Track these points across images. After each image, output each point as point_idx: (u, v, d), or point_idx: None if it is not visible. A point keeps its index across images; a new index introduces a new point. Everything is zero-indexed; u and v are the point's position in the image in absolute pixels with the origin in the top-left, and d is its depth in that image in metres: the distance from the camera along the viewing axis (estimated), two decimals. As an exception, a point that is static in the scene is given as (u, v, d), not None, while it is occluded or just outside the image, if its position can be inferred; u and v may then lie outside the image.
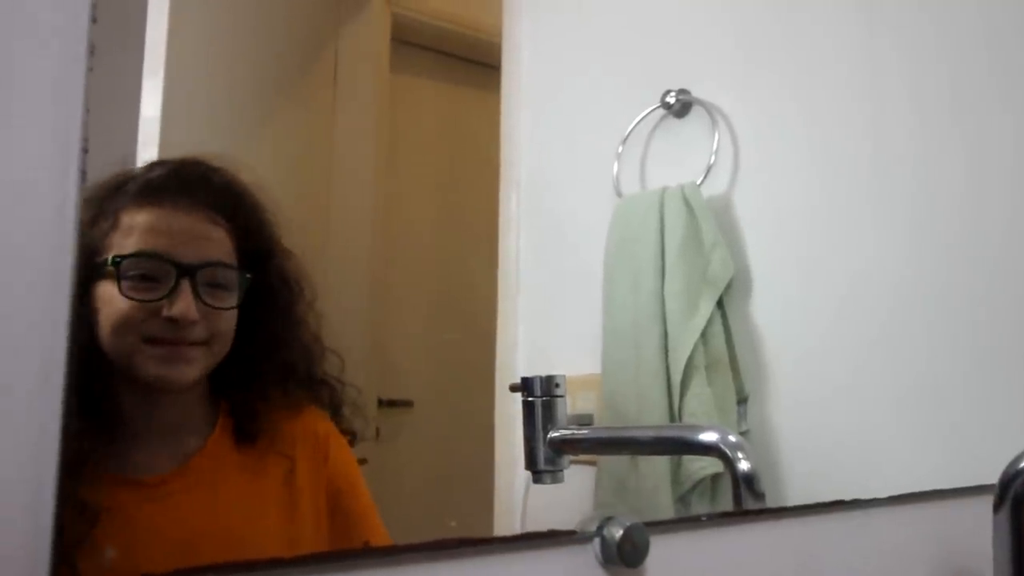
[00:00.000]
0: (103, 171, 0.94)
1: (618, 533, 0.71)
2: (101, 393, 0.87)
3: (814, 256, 1.30)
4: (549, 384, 1.04)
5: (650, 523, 0.72)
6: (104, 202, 0.91)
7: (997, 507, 0.80)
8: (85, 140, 0.54)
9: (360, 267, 1.28)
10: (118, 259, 0.89)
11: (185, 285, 0.90)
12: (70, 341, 0.52)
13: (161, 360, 0.90)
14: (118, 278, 0.88)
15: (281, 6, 1.28)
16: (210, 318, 0.92)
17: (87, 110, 0.54)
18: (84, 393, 0.86)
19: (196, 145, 1.07)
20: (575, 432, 1.03)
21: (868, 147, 1.29)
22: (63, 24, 0.54)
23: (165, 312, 0.89)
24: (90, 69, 0.55)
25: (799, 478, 1.25)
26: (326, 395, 1.03)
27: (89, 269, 0.88)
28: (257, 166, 1.04)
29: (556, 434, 1.02)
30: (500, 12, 1.44)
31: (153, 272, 0.90)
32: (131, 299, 0.88)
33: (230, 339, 0.95)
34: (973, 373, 1.24)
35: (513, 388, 1.07)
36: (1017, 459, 0.79)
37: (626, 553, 0.71)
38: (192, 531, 0.92)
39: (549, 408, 1.03)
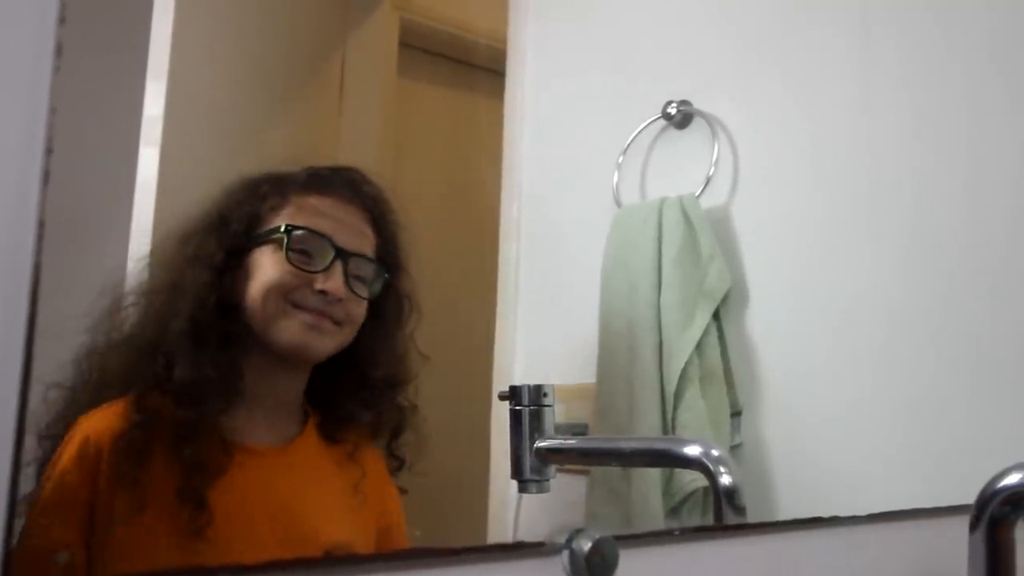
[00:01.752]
0: (105, 165, 0.98)
1: (586, 546, 0.71)
2: (232, 359, 0.95)
3: (811, 270, 1.29)
4: (537, 393, 1.04)
5: (620, 536, 0.72)
6: (276, 185, 1.01)
7: (973, 527, 0.79)
8: (49, 140, 0.54)
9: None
10: (290, 227, 0.98)
11: (339, 266, 0.99)
12: (27, 343, 0.52)
13: (305, 327, 0.98)
14: (286, 245, 0.97)
15: (289, 9, 1.28)
16: (350, 302, 1.00)
17: (53, 110, 0.55)
18: (225, 354, 0.93)
19: (199, 145, 1.09)
20: (561, 442, 1.03)
21: (867, 161, 1.29)
22: (29, 24, 0.54)
23: (319, 285, 0.98)
24: (57, 69, 0.55)
25: (791, 492, 1.25)
26: (396, 417, 1.08)
27: (250, 238, 0.98)
28: (263, 168, 1.05)
29: (543, 443, 1.03)
30: (507, 19, 1.45)
31: (314, 249, 0.99)
32: (293, 266, 0.97)
33: (357, 328, 1.02)
34: (967, 390, 1.23)
35: (502, 397, 1.07)
36: (994, 480, 0.79)
37: (594, 566, 0.71)
38: (286, 507, 0.98)
39: (537, 417, 1.04)
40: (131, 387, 0.91)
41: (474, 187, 1.45)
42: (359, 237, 1.03)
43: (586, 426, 1.32)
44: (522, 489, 1.04)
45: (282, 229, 0.98)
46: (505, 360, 1.36)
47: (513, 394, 1.04)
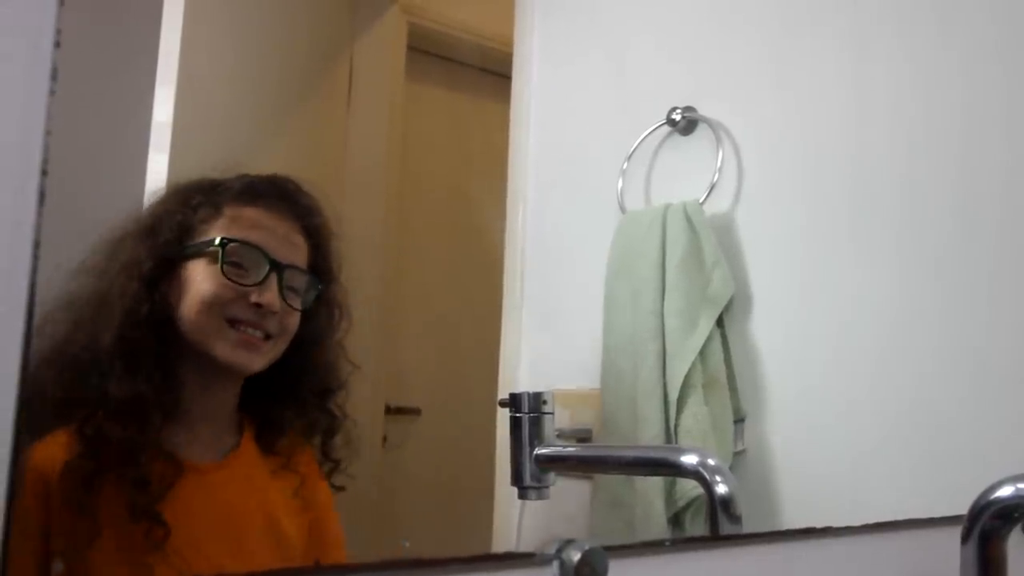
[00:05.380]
0: (115, 171, 1.00)
1: (576, 556, 0.71)
2: (167, 373, 0.94)
3: (814, 277, 1.29)
4: (537, 400, 1.05)
5: (611, 547, 0.72)
6: (209, 195, 0.99)
7: (965, 539, 0.79)
8: (45, 163, 0.55)
9: (371, 274, 1.30)
10: (225, 241, 0.97)
11: (274, 279, 0.99)
12: (23, 361, 0.53)
13: (238, 343, 0.97)
14: (221, 259, 0.96)
15: (297, 14, 1.29)
16: (284, 314, 1.00)
17: (48, 132, 0.56)
18: (159, 368, 0.92)
19: (208, 151, 1.10)
20: (561, 449, 1.03)
21: (870, 169, 1.29)
22: (25, 47, 0.55)
23: (253, 298, 0.97)
24: (52, 92, 0.56)
25: (796, 499, 1.25)
26: (327, 422, 1.08)
27: (182, 248, 0.97)
28: (270, 172, 1.06)
29: (543, 451, 1.03)
30: (513, 23, 1.45)
31: (249, 262, 0.98)
32: (228, 279, 0.96)
33: (289, 340, 1.02)
34: (970, 400, 1.23)
35: (502, 403, 1.08)
36: (986, 492, 0.79)
37: (584, 577, 0.71)
38: (236, 519, 0.99)
39: (537, 424, 1.04)
40: (70, 406, 0.89)
41: (480, 191, 1.46)
42: (293, 248, 1.02)
43: (590, 431, 1.33)
44: (522, 496, 1.05)
45: (216, 242, 0.97)
46: (510, 365, 1.37)
47: (513, 401, 1.05)
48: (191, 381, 0.97)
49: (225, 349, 0.97)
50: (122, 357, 0.91)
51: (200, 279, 0.96)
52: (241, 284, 0.97)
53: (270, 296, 0.98)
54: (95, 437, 0.89)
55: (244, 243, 0.98)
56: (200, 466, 0.98)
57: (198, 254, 0.97)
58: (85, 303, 0.94)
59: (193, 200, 0.99)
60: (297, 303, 1.01)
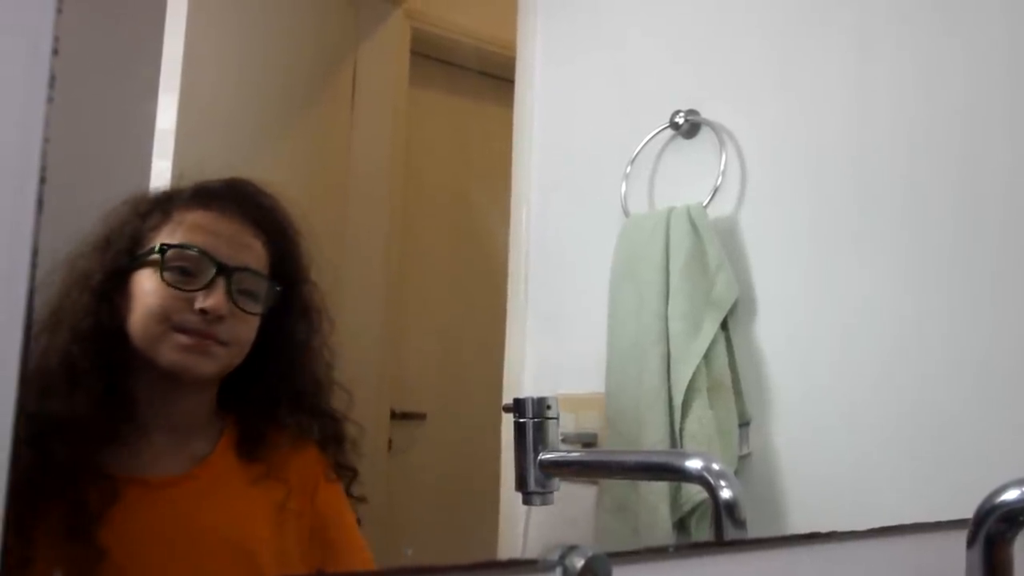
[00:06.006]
0: (118, 178, 0.99)
1: (579, 563, 0.71)
2: (118, 384, 0.92)
3: (819, 280, 1.29)
4: (541, 406, 1.04)
5: (614, 553, 0.72)
6: (160, 203, 0.97)
7: (970, 543, 0.79)
8: (44, 170, 0.55)
9: (375, 279, 1.29)
10: (165, 247, 0.94)
11: (220, 283, 0.95)
12: (22, 369, 0.53)
13: (184, 349, 0.94)
14: (161, 266, 0.94)
15: (300, 20, 1.29)
16: (236, 320, 0.97)
17: (47, 140, 0.56)
18: (101, 383, 0.89)
19: (211, 156, 1.10)
20: (565, 455, 1.03)
21: (874, 171, 1.28)
22: (23, 55, 0.55)
23: (198, 304, 0.94)
24: (50, 100, 0.56)
25: (801, 502, 1.24)
26: (330, 427, 1.05)
27: (132, 259, 0.94)
28: (273, 179, 1.06)
29: (547, 456, 1.03)
30: (516, 28, 1.45)
31: (193, 266, 0.95)
32: (169, 286, 0.94)
33: (248, 347, 0.99)
34: (976, 402, 1.23)
35: (506, 409, 1.07)
36: (992, 495, 0.78)
37: (587, 583, 0.71)
38: (194, 537, 0.94)
39: (540, 430, 1.04)
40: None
41: (485, 196, 1.45)
42: (244, 251, 0.99)
43: (595, 435, 1.32)
44: (526, 501, 1.04)
45: (156, 249, 0.94)
46: (514, 369, 1.36)
47: (517, 406, 1.04)
48: (144, 393, 0.94)
49: (169, 354, 0.94)
50: (64, 373, 0.88)
51: (145, 289, 0.94)
52: (184, 290, 0.94)
53: (216, 300, 0.94)
54: (36, 457, 0.83)
55: (184, 247, 0.95)
56: (153, 480, 0.95)
57: (144, 263, 0.94)
58: (42, 319, 0.89)
59: (143, 208, 0.96)
60: (253, 307, 0.98)
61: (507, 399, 1.25)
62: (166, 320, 0.93)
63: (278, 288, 1.01)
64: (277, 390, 1.03)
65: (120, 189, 1.00)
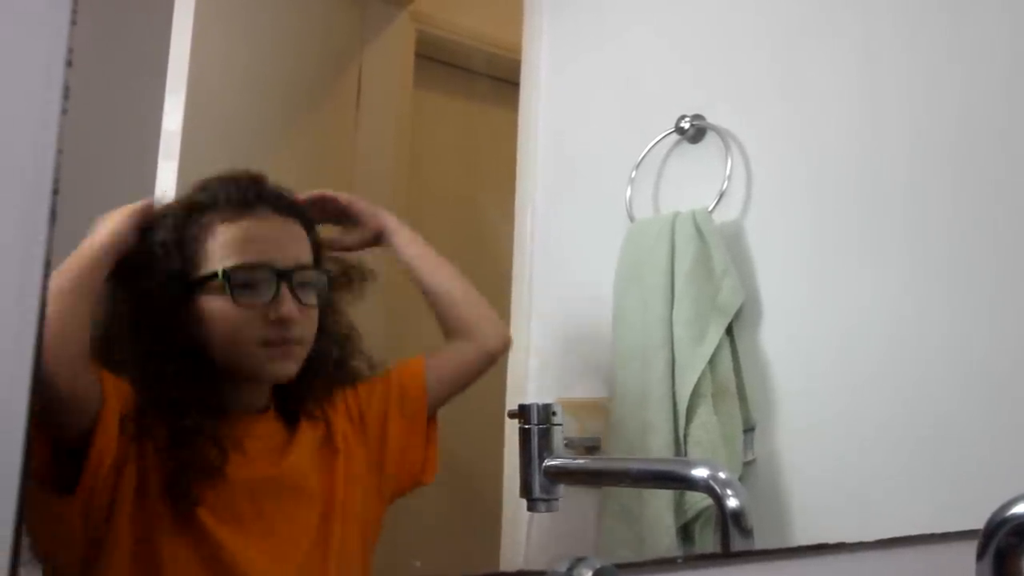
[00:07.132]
0: (124, 179, 1.00)
1: (587, 574, 0.71)
2: (210, 384, 0.96)
3: (824, 285, 1.29)
4: (546, 412, 1.03)
5: (621, 564, 0.72)
6: (193, 222, 0.98)
7: (980, 556, 0.78)
8: (57, 182, 0.55)
9: (379, 281, 1.29)
10: (227, 272, 0.96)
11: (284, 289, 0.98)
12: (34, 378, 0.53)
13: (273, 360, 0.99)
14: (229, 290, 0.95)
15: (306, 22, 1.29)
16: (304, 317, 1.00)
17: (60, 151, 0.56)
18: (195, 384, 0.94)
19: (217, 159, 1.10)
20: (570, 461, 1.03)
21: (879, 176, 1.28)
22: (37, 67, 0.55)
23: (272, 315, 0.97)
24: (64, 111, 0.56)
25: (806, 508, 1.24)
26: (351, 374, 1.10)
27: (190, 284, 0.96)
28: (278, 180, 1.06)
29: (552, 463, 1.02)
30: (522, 31, 1.45)
31: (257, 280, 0.98)
32: (243, 307, 0.96)
33: (314, 336, 1.03)
34: (984, 411, 1.23)
35: (511, 415, 1.07)
36: (1003, 508, 0.77)
37: (596, 595, 0.71)
38: (262, 486, 1.00)
39: (546, 436, 1.03)
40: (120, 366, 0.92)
41: (488, 199, 1.45)
42: (294, 248, 1.02)
43: (598, 440, 1.32)
44: (531, 508, 1.04)
45: (220, 275, 0.96)
46: (518, 374, 1.36)
47: (522, 413, 1.04)
48: (228, 387, 0.99)
49: (256, 367, 0.99)
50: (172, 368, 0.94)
51: (216, 313, 0.96)
52: (255, 305, 0.97)
53: (286, 308, 0.97)
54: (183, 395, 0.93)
55: (244, 266, 0.97)
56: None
57: (207, 288, 0.96)
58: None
59: (183, 232, 0.97)
60: (312, 298, 1.01)
61: (511, 404, 1.25)
62: (247, 338, 0.97)
63: (327, 274, 1.05)
64: (320, 360, 1.05)
65: (126, 190, 1.00)
